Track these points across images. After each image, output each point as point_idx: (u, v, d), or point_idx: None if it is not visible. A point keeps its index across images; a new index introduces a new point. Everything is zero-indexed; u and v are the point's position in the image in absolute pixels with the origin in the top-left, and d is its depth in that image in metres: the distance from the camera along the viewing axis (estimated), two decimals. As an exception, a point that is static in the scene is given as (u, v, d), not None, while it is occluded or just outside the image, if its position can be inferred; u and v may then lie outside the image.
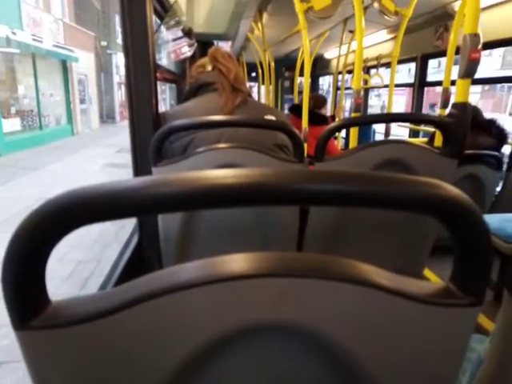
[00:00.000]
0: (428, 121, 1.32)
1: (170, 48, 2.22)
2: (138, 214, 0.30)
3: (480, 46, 1.00)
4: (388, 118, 1.57)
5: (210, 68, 1.28)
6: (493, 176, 2.18)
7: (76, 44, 13.22)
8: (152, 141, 1.02)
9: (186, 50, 2.35)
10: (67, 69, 13.01)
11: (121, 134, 12.05)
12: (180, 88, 2.31)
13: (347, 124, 1.41)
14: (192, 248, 1.12)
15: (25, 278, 0.29)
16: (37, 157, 9.01)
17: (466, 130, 1.05)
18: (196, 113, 1.12)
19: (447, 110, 2.02)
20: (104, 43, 16.32)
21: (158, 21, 1.66)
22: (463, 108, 1.03)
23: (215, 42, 2.82)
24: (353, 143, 1.90)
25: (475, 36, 0.98)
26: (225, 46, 3.18)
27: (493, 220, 1.77)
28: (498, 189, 2.30)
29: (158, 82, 1.37)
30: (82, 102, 14.56)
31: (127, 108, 1.18)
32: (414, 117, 2.05)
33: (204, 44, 2.55)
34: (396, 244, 1.25)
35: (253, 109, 1.21)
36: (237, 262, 0.34)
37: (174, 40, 2.24)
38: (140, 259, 1.26)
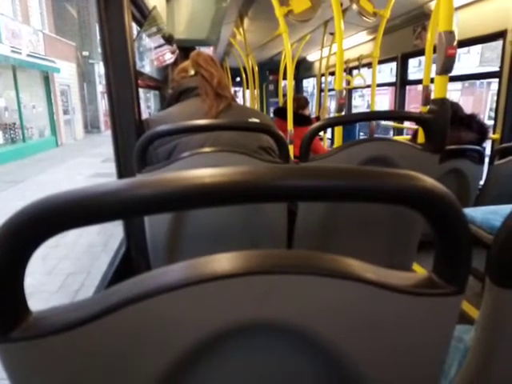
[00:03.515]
0: (409, 117, 1.35)
1: (153, 55, 2.21)
2: (116, 217, 0.29)
3: (455, 43, 1.02)
4: (371, 115, 1.60)
5: (192, 72, 1.27)
6: (476, 170, 2.22)
7: (57, 55, 13.07)
8: (135, 147, 1.01)
9: (169, 57, 2.35)
10: (49, 80, 12.84)
11: (106, 144, 11.91)
12: (163, 94, 2.30)
13: (330, 123, 1.42)
14: (180, 253, 1.11)
15: (2, 289, 0.29)
16: (21, 170, 8.85)
17: (446, 125, 1.07)
18: (179, 118, 1.11)
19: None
20: (86, 53, 16.18)
21: (138, 28, 1.65)
22: (442, 104, 1.05)
23: (197, 48, 2.82)
24: (338, 143, 1.92)
25: (450, 33, 1.01)
26: (207, 52, 3.19)
27: (477, 213, 1.80)
28: (482, 182, 2.34)
29: (142, 90, 1.36)
30: (66, 112, 14.38)
31: (109, 116, 1.17)
32: (395, 114, 2.09)
33: (186, 50, 2.55)
34: (384, 240, 1.26)
35: (237, 113, 1.21)
36: (220, 261, 0.34)
37: (156, 47, 2.23)
38: (129, 268, 1.25)
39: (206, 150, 1.04)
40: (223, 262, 0.33)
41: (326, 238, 1.19)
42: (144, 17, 1.64)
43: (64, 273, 3.42)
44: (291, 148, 2.53)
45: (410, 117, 1.24)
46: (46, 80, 12.78)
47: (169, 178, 0.29)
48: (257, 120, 1.21)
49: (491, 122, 2.73)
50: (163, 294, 0.31)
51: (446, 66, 1.02)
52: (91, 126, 16.96)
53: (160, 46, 2.15)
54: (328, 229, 1.19)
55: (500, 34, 2.47)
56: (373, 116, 1.56)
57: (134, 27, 1.70)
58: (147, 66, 2.06)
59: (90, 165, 9.11)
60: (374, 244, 1.22)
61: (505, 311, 0.38)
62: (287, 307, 0.33)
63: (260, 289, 0.33)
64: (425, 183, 0.32)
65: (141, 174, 1.02)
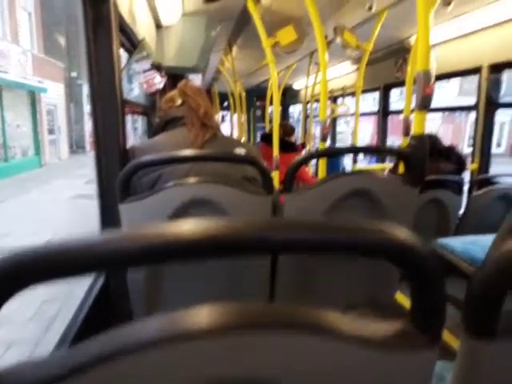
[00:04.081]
0: (390, 152, 1.39)
1: (142, 79, 2.24)
2: (85, 272, 0.29)
3: (432, 81, 1.07)
4: (353, 150, 1.64)
5: (179, 102, 1.29)
6: (455, 200, 2.27)
7: (45, 75, 13.08)
8: (119, 177, 1.00)
9: (159, 81, 2.38)
10: (35, 99, 12.78)
11: (90, 164, 11.78)
12: (150, 120, 2.32)
13: (314, 156, 1.45)
14: (162, 293, 1.09)
15: None
16: (1, 189, 8.64)
17: (425, 160, 1.11)
18: (165, 148, 1.12)
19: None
20: (74, 74, 16.24)
21: (128, 55, 1.67)
22: (421, 139, 1.09)
23: (186, 75, 2.87)
24: (321, 170, 1.95)
25: (427, 72, 1.06)
26: (195, 78, 3.24)
27: (457, 243, 1.83)
28: (461, 212, 2.39)
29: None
30: (51, 132, 14.26)
31: (93, 144, 1.16)
32: (377, 149, 2.15)
33: (174, 77, 2.59)
34: (366, 273, 1.27)
35: (222, 143, 1.22)
36: (196, 317, 0.33)
37: (146, 71, 2.26)
38: (107, 306, 1.21)
39: (190, 180, 1.04)
40: (199, 318, 0.32)
41: (308, 276, 1.19)
42: (133, 45, 1.67)
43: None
44: (277, 174, 2.56)
45: (391, 152, 1.28)
46: (33, 100, 12.72)
47: (145, 233, 0.29)
48: (242, 150, 1.23)
49: (471, 149, 2.83)
50: (134, 354, 0.30)
51: (424, 103, 1.06)
52: (76, 146, 16.83)
53: (149, 72, 2.18)
54: (310, 267, 1.19)
55: (476, 70, 2.60)
56: (356, 150, 1.60)
57: (124, 54, 1.72)
58: (136, 91, 2.08)
59: (73, 186, 8.97)
60: (356, 279, 1.23)
61: (480, 365, 0.38)
62: (261, 364, 0.33)
63: (234, 346, 0.32)
64: (398, 236, 0.32)
65: (123, 204, 1.01)
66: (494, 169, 2.84)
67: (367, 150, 1.60)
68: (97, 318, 1.14)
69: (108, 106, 1.13)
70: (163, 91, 1.93)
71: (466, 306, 0.37)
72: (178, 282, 1.07)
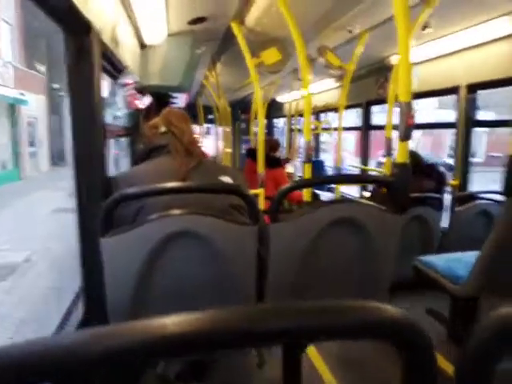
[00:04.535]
0: (374, 181, 1.42)
1: (126, 95, 2.22)
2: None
3: (413, 112, 1.10)
4: (338, 179, 1.67)
5: (163, 129, 1.28)
6: (436, 216, 2.33)
7: (26, 87, 12.84)
8: (102, 210, 0.98)
9: (142, 98, 2.36)
10: (15, 112, 12.51)
11: (70, 177, 11.54)
12: (133, 141, 2.29)
13: (299, 186, 1.46)
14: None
15: None
16: (-22, 204, 8.36)
17: (407, 187, 1.12)
18: (148, 177, 1.10)
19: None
20: (56, 86, 16.01)
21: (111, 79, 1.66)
22: (404, 168, 1.11)
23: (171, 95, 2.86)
24: (307, 197, 1.94)
25: (409, 104, 1.08)
26: (180, 95, 3.24)
27: (440, 261, 1.87)
28: (442, 227, 2.44)
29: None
30: (32, 144, 13.95)
31: (73, 175, 1.13)
32: (361, 177, 2.18)
33: (159, 97, 2.58)
34: (355, 289, 1.27)
35: (207, 171, 1.21)
36: None
37: (129, 88, 2.25)
38: None
39: (174, 212, 1.02)
40: None
41: (298, 287, 1.19)
42: (117, 70, 1.65)
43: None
44: (262, 191, 2.55)
45: (375, 180, 1.30)
46: (12, 111, 12.45)
47: (121, 331, 0.28)
48: (227, 178, 1.22)
49: (451, 160, 2.90)
50: None
51: (406, 134, 1.09)
52: (58, 159, 16.49)
53: (132, 89, 2.17)
54: (300, 279, 1.19)
55: (454, 90, 2.68)
56: (341, 180, 1.63)
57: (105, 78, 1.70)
58: (119, 113, 2.06)
59: (53, 199, 8.75)
60: (345, 293, 1.23)
61: None
62: None
63: None
64: (386, 314, 0.32)
65: (105, 239, 0.98)
66: (474, 177, 2.93)
67: (351, 179, 1.62)
68: None
69: (89, 136, 1.11)
70: (147, 114, 1.92)
71: (458, 375, 0.37)
72: (164, 308, 1.04)
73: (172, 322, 0.28)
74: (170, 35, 2.35)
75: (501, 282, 1.63)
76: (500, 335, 0.35)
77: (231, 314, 0.30)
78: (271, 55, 2.45)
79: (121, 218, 1.07)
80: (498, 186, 1.46)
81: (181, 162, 1.16)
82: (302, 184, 1.58)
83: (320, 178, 2.82)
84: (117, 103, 2.63)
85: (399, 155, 1.12)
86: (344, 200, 1.20)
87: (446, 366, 1.66)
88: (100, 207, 0.99)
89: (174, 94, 2.89)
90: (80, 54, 1.03)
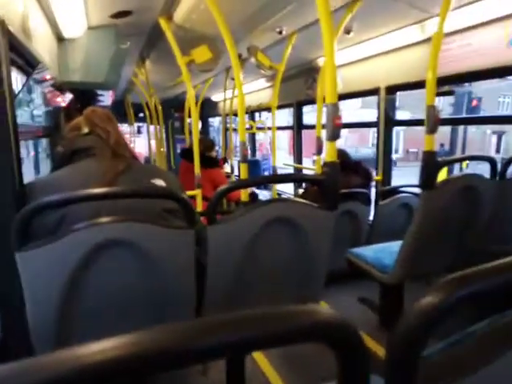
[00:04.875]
0: (306, 179, 1.48)
1: (47, 92, 2.01)
2: None
3: (340, 113, 1.15)
4: (273, 179, 1.71)
5: (86, 130, 1.18)
6: (364, 210, 2.49)
7: None
8: (14, 222, 0.87)
9: (63, 99, 2.16)
10: None
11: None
12: (53, 142, 2.10)
13: (235, 187, 1.46)
14: (74, 336, 0.97)
15: None
16: None
17: (337, 185, 1.18)
18: (71, 183, 1.01)
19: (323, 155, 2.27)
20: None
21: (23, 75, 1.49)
22: (333, 166, 1.16)
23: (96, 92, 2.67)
24: (244, 197, 1.95)
25: (335, 105, 1.13)
26: (106, 93, 3.04)
27: (369, 252, 2.00)
28: (371, 220, 2.62)
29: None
30: None
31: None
32: (294, 177, 2.25)
33: (83, 93, 2.39)
34: (292, 285, 1.30)
35: (137, 174, 1.14)
36: None
37: (48, 91, 2.04)
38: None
39: (103, 220, 0.95)
40: None
41: (237, 291, 1.18)
42: (30, 64, 1.49)
43: None
44: (199, 192, 2.51)
45: (307, 179, 1.35)
46: None
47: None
48: (160, 181, 1.16)
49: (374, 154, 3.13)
50: None
51: (334, 135, 1.13)
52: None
53: (52, 91, 1.98)
54: (238, 284, 1.18)
55: (375, 91, 2.89)
56: (276, 179, 1.67)
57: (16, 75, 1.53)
58: (36, 112, 1.87)
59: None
60: (283, 291, 1.25)
61: None
62: None
63: None
64: (321, 317, 0.32)
65: (21, 253, 0.88)
66: (395, 172, 3.19)
67: (286, 179, 1.67)
68: None
69: None
70: (69, 113, 1.76)
71: (387, 364, 0.39)
72: (94, 324, 0.96)
73: (102, 347, 0.26)
74: (91, 28, 2.18)
75: (422, 268, 1.79)
76: (422, 324, 0.37)
77: (166, 333, 0.28)
78: (202, 53, 2.40)
79: (40, 228, 0.96)
80: (416, 179, 1.60)
81: (107, 165, 1.08)
82: (239, 185, 1.58)
83: (256, 179, 2.85)
84: (34, 101, 2.39)
85: (328, 154, 1.17)
86: (279, 199, 1.23)
87: (379, 349, 1.79)
88: (13, 219, 0.88)
89: (100, 92, 2.71)
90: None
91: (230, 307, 1.19)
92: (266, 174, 6.00)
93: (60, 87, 1.76)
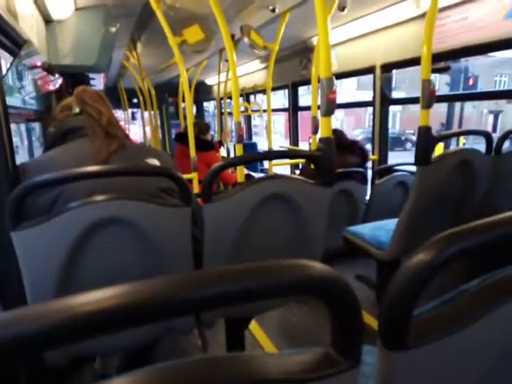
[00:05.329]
0: (301, 156, 1.47)
1: (38, 80, 1.97)
2: None
3: (335, 88, 1.13)
4: (268, 155, 1.70)
5: (77, 110, 1.16)
6: (361, 189, 2.50)
7: None
8: (8, 201, 0.87)
9: (56, 78, 2.13)
10: None
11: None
12: (45, 126, 2.07)
13: (230, 164, 1.45)
14: None
15: None
16: None
17: (333, 160, 1.17)
18: (64, 163, 1.00)
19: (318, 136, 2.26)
20: None
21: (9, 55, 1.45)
22: (328, 142, 1.15)
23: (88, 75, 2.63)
24: (240, 178, 1.95)
25: (330, 79, 1.11)
26: (97, 76, 2.99)
27: (366, 230, 2.01)
28: (367, 199, 2.63)
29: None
30: None
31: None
32: (290, 153, 2.24)
33: (74, 77, 2.35)
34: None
35: (132, 154, 1.13)
36: None
37: (38, 74, 2.00)
38: None
39: (98, 198, 0.95)
40: None
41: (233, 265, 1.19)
42: (17, 46, 1.45)
43: None
44: (196, 175, 2.50)
45: (302, 155, 1.34)
46: None
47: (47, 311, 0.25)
48: (154, 160, 1.16)
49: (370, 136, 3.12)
50: None
51: (328, 109, 1.12)
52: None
53: (42, 72, 1.94)
54: (235, 260, 1.19)
55: (371, 70, 2.86)
56: (270, 156, 1.66)
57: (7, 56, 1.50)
58: (28, 95, 1.84)
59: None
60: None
61: (397, 374, 0.41)
62: None
63: None
64: (315, 272, 0.32)
65: (16, 232, 0.88)
66: (392, 153, 3.19)
67: (281, 155, 1.66)
68: None
69: None
70: (59, 94, 1.73)
71: (379, 320, 0.39)
72: None
73: (97, 297, 0.26)
74: (79, 9, 2.13)
75: (418, 243, 1.80)
76: (414, 280, 0.38)
77: (161, 284, 0.28)
78: (194, 33, 2.35)
79: (35, 208, 0.96)
80: (413, 159, 1.60)
81: (100, 144, 1.07)
82: (233, 162, 1.57)
83: (251, 156, 2.84)
84: (25, 88, 2.34)
85: (323, 130, 1.16)
86: (275, 176, 1.22)
87: (375, 324, 1.82)
88: (6, 199, 0.88)
89: (91, 76, 2.66)
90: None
91: None
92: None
93: (50, 69, 1.72)
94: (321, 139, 1.16)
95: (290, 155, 2.19)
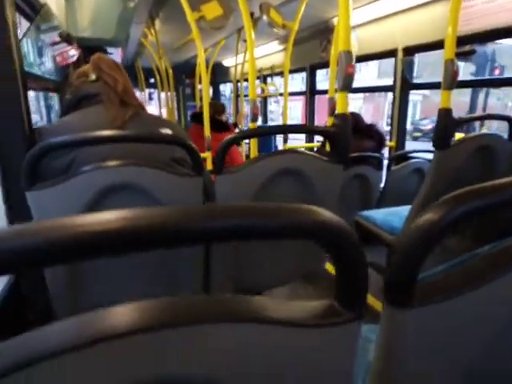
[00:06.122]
0: (316, 131, 1.44)
1: (55, 51, 1.99)
2: None
3: (353, 62, 1.10)
4: (282, 129, 1.68)
5: (93, 77, 1.16)
6: (376, 174, 2.45)
7: None
8: (24, 162, 0.89)
9: (72, 54, 2.14)
10: None
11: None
12: (63, 97, 2.09)
13: (243, 136, 1.44)
14: (86, 285, 1.00)
15: None
16: None
17: (348, 138, 1.15)
18: (79, 128, 1.01)
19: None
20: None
21: (28, 23, 1.46)
22: (344, 118, 1.13)
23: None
24: (253, 150, 1.95)
25: (348, 53, 1.08)
26: (115, 52, 2.99)
27: (379, 215, 1.99)
28: (382, 185, 2.59)
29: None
30: None
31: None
32: (305, 128, 2.20)
33: (91, 50, 2.35)
34: (298, 248, 1.31)
35: (146, 122, 1.14)
36: (119, 316, 0.30)
37: (56, 44, 2.01)
38: (19, 305, 1.08)
39: (112, 163, 0.95)
40: (122, 316, 0.29)
41: (242, 255, 1.20)
42: (35, 11, 1.46)
43: None
44: (209, 155, 2.50)
45: (317, 131, 1.32)
46: None
47: (58, 226, 0.25)
48: (168, 130, 1.16)
49: (389, 128, 3.05)
50: (45, 361, 0.26)
51: (345, 84, 1.09)
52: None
53: (61, 44, 1.95)
54: (242, 246, 1.19)
55: (392, 53, 2.77)
56: (285, 129, 1.63)
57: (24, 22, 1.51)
58: (46, 65, 1.85)
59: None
60: (288, 252, 1.26)
61: (400, 332, 0.40)
62: (191, 360, 0.31)
63: (161, 344, 0.30)
64: (318, 216, 0.32)
65: (31, 192, 0.89)
66: (411, 143, 3.12)
67: (295, 129, 1.64)
68: (7, 320, 1.02)
69: (4, 81, 0.98)
70: (77, 65, 1.74)
71: (386, 278, 0.39)
72: (104, 270, 0.99)
73: (104, 218, 0.26)
74: (98, -19, 2.12)
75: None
76: (421, 240, 0.37)
77: (166, 212, 0.28)
78: (212, 9, 2.32)
79: (52, 171, 0.98)
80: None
81: (115, 112, 1.07)
82: (247, 134, 1.56)
83: (264, 129, 2.82)
84: (44, 63, 2.36)
85: (339, 106, 1.13)
86: (288, 151, 1.21)
87: (381, 307, 1.81)
88: (24, 160, 0.89)
89: (109, 50, 2.67)
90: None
91: (236, 256, 1.20)
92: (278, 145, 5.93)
93: (68, 39, 1.73)
94: (336, 115, 1.14)
95: (303, 130, 2.15)
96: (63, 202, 0.91)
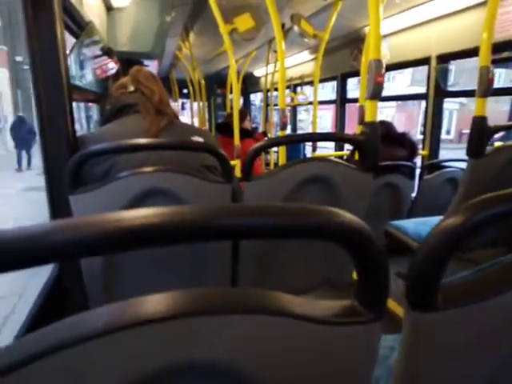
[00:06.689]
0: (344, 139, 1.45)
1: (95, 65, 2.12)
2: (36, 263, 0.27)
3: (383, 71, 1.11)
4: (310, 137, 1.69)
5: (131, 88, 1.24)
6: (408, 184, 2.40)
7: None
8: (68, 167, 0.95)
9: (112, 67, 2.27)
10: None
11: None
12: (103, 108, 2.22)
13: (271, 144, 1.46)
14: (119, 280, 1.06)
15: None
16: None
17: (377, 146, 1.15)
18: (117, 137, 1.07)
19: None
20: (19, 58, 15.08)
21: (75, 39, 1.57)
22: (373, 126, 1.13)
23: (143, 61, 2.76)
24: (282, 158, 1.97)
25: (379, 61, 1.09)
26: (151, 65, 3.13)
27: (409, 224, 1.94)
28: (413, 195, 2.53)
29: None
30: (-4, 121, 13.25)
31: (38, 134, 1.09)
32: (333, 136, 2.21)
33: (128, 62, 2.48)
34: (325, 254, 1.31)
35: (179, 131, 1.19)
36: (151, 303, 0.33)
37: (97, 58, 2.15)
38: (61, 297, 1.16)
39: (147, 169, 1.01)
40: (154, 304, 0.32)
41: (269, 257, 1.21)
42: (80, 28, 1.57)
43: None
44: (238, 163, 2.55)
45: (345, 139, 1.32)
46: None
47: (100, 221, 0.28)
48: (200, 139, 1.21)
49: (422, 136, 2.98)
50: (85, 343, 0.29)
51: (375, 92, 1.10)
52: (26, 136, 15.73)
53: (101, 58, 2.07)
54: (270, 248, 1.21)
55: (425, 61, 2.72)
56: (312, 137, 1.64)
57: (71, 38, 1.62)
58: (88, 78, 1.98)
59: (23, 178, 8.42)
60: (313, 261, 1.26)
61: (422, 336, 0.41)
62: (217, 348, 0.33)
63: (189, 331, 0.32)
64: (342, 219, 0.33)
65: (74, 196, 0.96)
66: (445, 154, 3.02)
67: (323, 137, 1.65)
68: (51, 309, 1.09)
69: (53, 92, 1.06)
70: (116, 78, 1.84)
71: (408, 282, 0.39)
72: (136, 267, 1.04)
73: (142, 214, 0.29)
74: (137, -2, 2.25)
75: (463, 241, 1.71)
76: (445, 242, 0.37)
77: (195, 210, 0.30)
78: (245, 21, 2.39)
79: (92, 177, 1.05)
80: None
81: (151, 121, 1.14)
82: (275, 142, 1.59)
83: (292, 136, 2.83)
84: (85, 76, 2.52)
85: (368, 114, 1.14)
86: (317, 158, 1.22)
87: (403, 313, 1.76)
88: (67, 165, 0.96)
89: (146, 63, 2.80)
90: (38, 1, 0.97)
91: (263, 263, 1.22)
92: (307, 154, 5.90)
93: (108, 52, 1.84)
94: (365, 123, 1.14)
95: (332, 138, 2.15)
96: (102, 205, 0.97)
